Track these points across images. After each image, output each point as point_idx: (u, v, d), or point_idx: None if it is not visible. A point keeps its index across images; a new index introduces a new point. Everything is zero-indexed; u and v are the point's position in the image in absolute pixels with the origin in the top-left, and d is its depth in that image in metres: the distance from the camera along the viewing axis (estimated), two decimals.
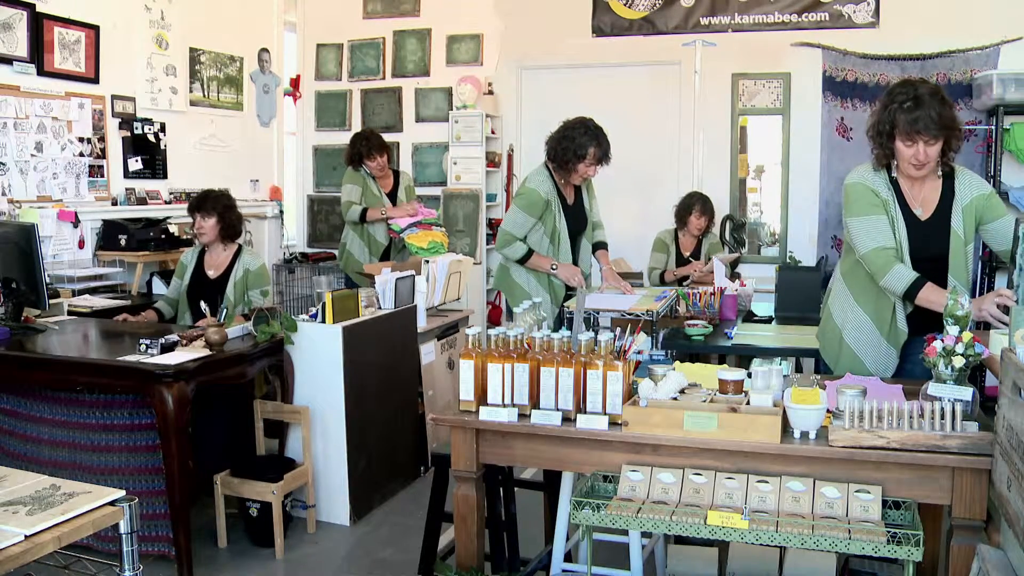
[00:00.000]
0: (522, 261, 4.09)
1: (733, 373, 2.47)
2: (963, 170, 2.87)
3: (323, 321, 3.86)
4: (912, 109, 2.66)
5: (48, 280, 4.20)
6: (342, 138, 6.63)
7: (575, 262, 4.23)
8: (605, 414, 2.38)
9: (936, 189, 2.84)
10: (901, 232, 2.81)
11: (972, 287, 5.61)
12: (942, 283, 2.78)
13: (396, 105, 7.15)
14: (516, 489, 3.16)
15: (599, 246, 4.39)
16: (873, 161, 2.88)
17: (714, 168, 6.38)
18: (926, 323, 2.75)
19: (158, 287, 5.22)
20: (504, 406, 2.46)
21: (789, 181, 6.37)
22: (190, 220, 4.44)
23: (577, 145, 3.99)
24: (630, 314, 3.84)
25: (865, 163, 2.95)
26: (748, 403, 2.36)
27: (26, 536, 1.70)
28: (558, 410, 2.42)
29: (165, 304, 4.44)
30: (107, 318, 4.44)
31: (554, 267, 4.09)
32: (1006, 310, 2.52)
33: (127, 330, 4.04)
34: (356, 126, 7.04)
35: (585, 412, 2.40)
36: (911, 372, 2.90)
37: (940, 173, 2.83)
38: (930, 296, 2.71)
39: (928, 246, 2.82)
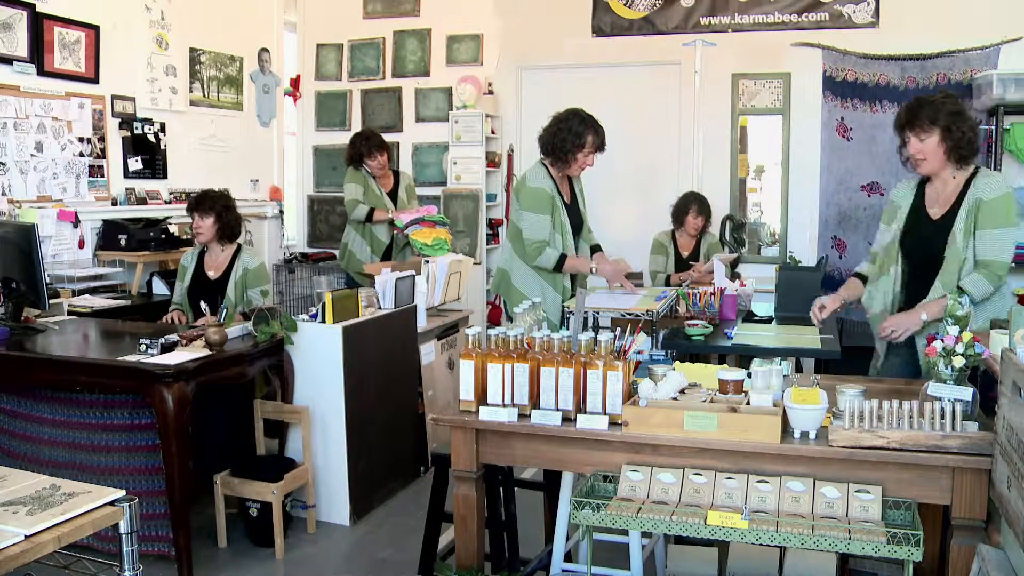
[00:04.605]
0: (557, 268, 4.02)
1: (733, 373, 2.48)
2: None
3: (323, 321, 3.86)
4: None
5: (48, 280, 4.20)
6: (342, 138, 6.62)
7: None
8: (605, 414, 2.38)
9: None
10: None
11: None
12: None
13: (396, 105, 7.15)
14: (516, 489, 3.16)
15: (595, 248, 4.37)
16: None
17: (714, 168, 6.37)
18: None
19: (158, 287, 5.22)
20: (504, 406, 2.46)
21: (789, 181, 6.37)
22: (190, 220, 4.44)
23: (574, 135, 3.96)
24: (630, 314, 3.84)
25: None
26: (748, 403, 2.36)
27: (26, 536, 1.70)
28: (558, 410, 2.42)
29: (179, 308, 4.44)
30: (107, 318, 4.45)
31: (594, 269, 4.04)
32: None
33: (127, 330, 4.04)
34: (356, 126, 7.03)
35: (585, 412, 2.40)
36: None
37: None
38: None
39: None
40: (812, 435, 2.25)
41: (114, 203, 5.53)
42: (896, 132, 3.09)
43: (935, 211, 3.07)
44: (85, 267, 5.12)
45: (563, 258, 4.00)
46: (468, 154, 6.68)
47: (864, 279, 3.30)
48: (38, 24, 5.00)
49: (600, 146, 4.02)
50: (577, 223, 4.20)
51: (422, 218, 5.33)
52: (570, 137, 3.95)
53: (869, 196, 5.99)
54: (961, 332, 2.31)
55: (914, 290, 3.09)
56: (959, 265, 2.95)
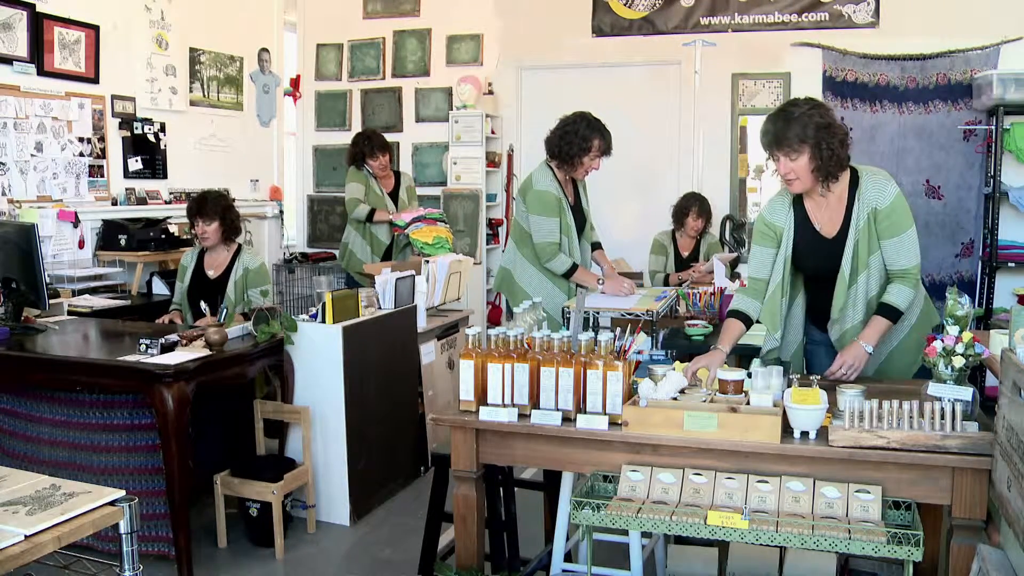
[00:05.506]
0: (567, 275, 4.05)
1: (733, 373, 2.47)
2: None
3: (323, 321, 3.86)
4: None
5: (48, 280, 4.20)
6: (342, 138, 6.62)
7: (581, 262, 4.21)
8: (605, 414, 2.38)
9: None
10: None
11: (973, 288, 5.66)
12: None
13: (396, 105, 7.15)
14: (516, 489, 3.15)
15: (595, 247, 4.39)
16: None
17: (714, 168, 6.37)
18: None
19: (158, 287, 5.22)
20: (504, 406, 2.46)
21: None
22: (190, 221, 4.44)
23: (581, 138, 3.97)
24: (630, 314, 3.84)
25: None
26: (748, 403, 2.36)
27: (26, 536, 1.70)
28: (558, 410, 2.42)
29: (178, 308, 4.45)
30: (107, 318, 4.45)
31: (601, 282, 4.06)
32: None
33: (127, 330, 4.04)
34: (356, 126, 7.03)
35: (585, 412, 2.40)
36: None
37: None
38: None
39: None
40: (812, 435, 2.25)
41: (114, 203, 5.53)
42: (763, 148, 2.85)
43: (826, 230, 2.89)
44: (85, 267, 5.12)
45: (574, 267, 4.04)
46: (468, 154, 6.68)
47: (745, 318, 3.01)
48: (38, 24, 5.00)
49: (607, 151, 4.04)
50: (579, 224, 4.22)
51: (423, 216, 5.33)
52: (577, 141, 3.97)
53: None
54: (961, 332, 2.31)
55: (823, 319, 2.99)
56: (846, 288, 2.82)
